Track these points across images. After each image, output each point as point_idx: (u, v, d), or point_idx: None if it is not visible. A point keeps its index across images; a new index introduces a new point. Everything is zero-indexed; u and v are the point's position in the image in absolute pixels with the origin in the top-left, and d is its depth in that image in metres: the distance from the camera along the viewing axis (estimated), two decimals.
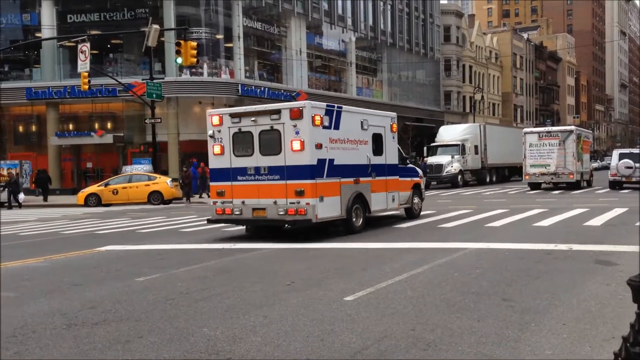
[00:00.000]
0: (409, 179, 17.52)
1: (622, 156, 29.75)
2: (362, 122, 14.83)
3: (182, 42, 25.90)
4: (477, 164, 38.59)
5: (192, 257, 11.40)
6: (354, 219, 14.15)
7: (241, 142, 13.64)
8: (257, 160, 13.41)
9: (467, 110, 64.35)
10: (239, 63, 37.38)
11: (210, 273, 9.60)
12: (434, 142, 39.88)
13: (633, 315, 1.70)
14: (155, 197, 28.37)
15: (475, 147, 38.40)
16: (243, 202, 13.63)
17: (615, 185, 29.70)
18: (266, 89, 38.36)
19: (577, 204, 20.62)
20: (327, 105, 13.82)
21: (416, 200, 17.69)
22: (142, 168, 30.53)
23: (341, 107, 14.33)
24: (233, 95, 36.70)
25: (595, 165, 48.03)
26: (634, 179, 28.70)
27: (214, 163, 14.13)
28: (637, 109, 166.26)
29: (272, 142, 13.18)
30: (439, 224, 15.88)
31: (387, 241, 12.73)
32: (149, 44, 27.24)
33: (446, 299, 7.35)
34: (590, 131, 49.18)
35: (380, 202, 15.38)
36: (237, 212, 13.75)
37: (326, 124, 13.38)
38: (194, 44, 26.13)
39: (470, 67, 67.99)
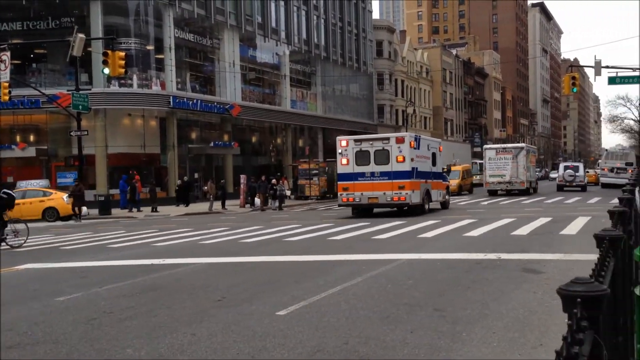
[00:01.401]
0: (444, 182, 26.41)
1: (565, 168, 43.29)
2: (428, 145, 23.94)
3: (109, 52, 25.08)
4: None
5: (118, 274, 10.91)
6: (425, 205, 22.78)
7: (361, 157, 21.76)
8: (372, 168, 21.58)
9: (400, 123, 65.60)
10: (170, 75, 36.61)
11: (137, 290, 9.19)
12: None
13: (559, 323, 1.64)
14: (50, 214, 26.89)
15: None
16: (362, 194, 21.67)
17: (561, 187, 41.55)
18: (199, 101, 37.74)
19: (505, 214, 21.23)
20: (415, 136, 23.15)
21: (447, 197, 26.11)
22: (37, 183, 28.85)
23: (419, 136, 23.76)
24: (164, 108, 35.88)
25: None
26: (574, 184, 41.27)
27: (341, 170, 22.41)
28: (558, 123, 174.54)
29: (383, 157, 21.49)
30: (372, 235, 15.94)
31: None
32: (74, 53, 26.21)
33: (379, 310, 7.29)
34: (536, 147, 59.58)
35: (435, 196, 23.97)
36: (357, 200, 21.89)
37: (415, 146, 21.81)
38: (122, 54, 25.37)
39: (402, 81, 69.43)
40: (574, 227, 15.91)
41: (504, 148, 38.65)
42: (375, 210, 23.57)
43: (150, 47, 36.77)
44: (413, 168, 21.57)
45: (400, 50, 69.88)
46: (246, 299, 8.26)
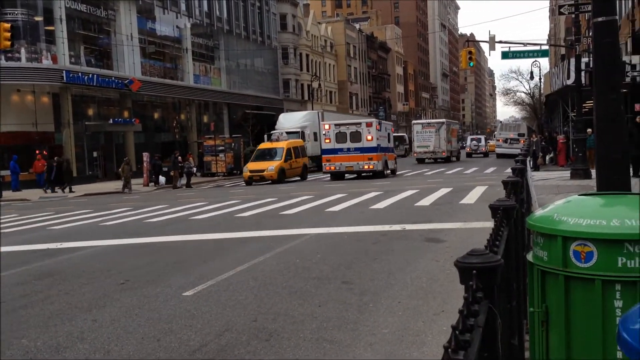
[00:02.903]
0: (394, 154, 32.81)
1: (472, 139, 57.41)
2: (385, 127, 31.44)
3: None
4: (317, 150, 39.52)
5: (9, 261, 10.25)
6: (385, 171, 29.39)
7: (340, 137, 28.58)
8: (349, 144, 28.33)
9: (306, 98, 65.71)
10: (62, 48, 34.48)
11: (32, 277, 8.68)
12: (274, 129, 40.14)
13: (460, 289, 1.66)
14: None
15: (315, 133, 39.30)
16: (341, 164, 28.52)
17: (470, 155, 53.51)
18: (95, 75, 35.88)
19: (409, 186, 21.89)
20: (379, 121, 31.02)
21: (396, 165, 32.23)
22: None
23: (381, 121, 32.56)
24: (57, 83, 33.84)
25: None
26: (478, 152, 53.97)
27: (325, 146, 29.19)
28: (457, 97, 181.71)
29: (356, 136, 28.36)
30: (280, 211, 15.95)
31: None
32: None
33: (288, 286, 7.31)
34: (457, 122, 77.13)
35: (390, 165, 30.57)
36: (337, 168, 28.74)
37: (379, 129, 28.90)
38: (7, 25, 23.54)
39: (307, 55, 69.42)
40: (472, 197, 16.66)
41: (429, 123, 45.70)
42: (347, 176, 30.07)
43: (39, 18, 34.43)
44: (378, 145, 28.42)
45: (304, 24, 69.68)
46: (151, 280, 8.02)
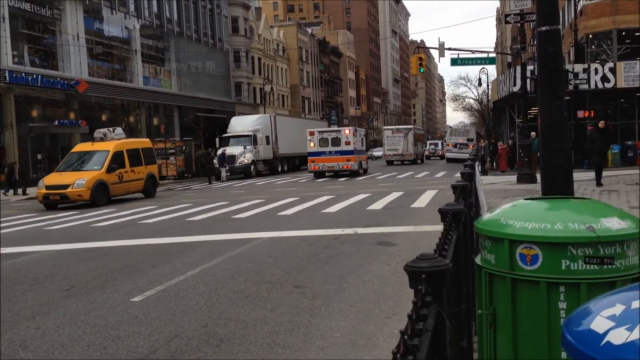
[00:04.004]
0: (366, 156, 38.94)
1: (430, 144, 65.01)
2: (360, 134, 36.51)
3: None
4: (269, 154, 39.44)
5: None
6: (359, 170, 34.33)
7: (323, 141, 33.30)
8: (330, 148, 33.01)
9: (258, 101, 65.39)
10: (5, 47, 33.33)
11: None
12: (226, 133, 39.81)
13: (410, 292, 1.67)
14: None
15: (267, 137, 39.17)
16: (324, 164, 33.01)
17: (429, 157, 58.99)
18: (39, 76, 34.77)
19: (361, 190, 22.06)
20: (355, 128, 35.68)
21: (367, 165, 37.33)
22: None
23: (357, 128, 37.18)
24: None
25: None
26: (436, 155, 60.75)
27: (310, 150, 33.56)
28: (408, 102, 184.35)
29: (337, 141, 33.17)
30: (232, 215, 15.81)
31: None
32: None
33: (240, 290, 7.25)
34: (421, 128, 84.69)
35: (363, 165, 35.88)
36: (321, 168, 33.10)
37: (355, 135, 33.85)
38: None
39: (259, 59, 69.14)
40: (423, 200, 16.92)
41: (397, 129, 50.06)
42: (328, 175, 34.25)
43: None
44: (354, 148, 33.45)
45: (256, 28, 69.43)
46: (98, 286, 7.82)
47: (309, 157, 33.96)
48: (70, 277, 8.50)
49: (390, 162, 48.01)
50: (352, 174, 33.57)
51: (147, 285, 7.70)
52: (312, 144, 33.58)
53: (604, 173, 17.75)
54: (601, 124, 17.04)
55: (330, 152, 33.12)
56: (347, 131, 34.04)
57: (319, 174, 33.81)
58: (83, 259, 10.15)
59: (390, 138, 47.94)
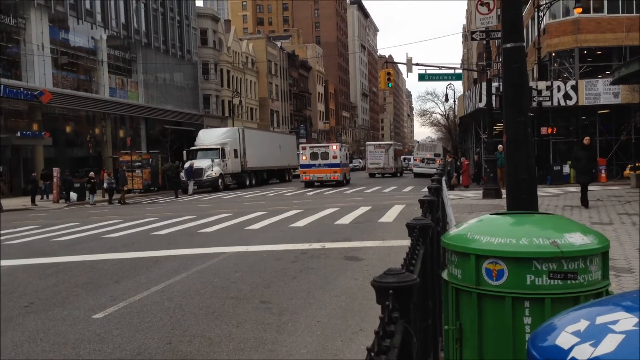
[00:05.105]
0: (349, 168, 43.59)
1: (404, 159, 63.43)
2: (345, 149, 42.86)
3: None
4: (237, 168, 39.19)
5: None
6: (344, 181, 38.69)
7: (313, 155, 37.97)
8: (320, 161, 37.70)
9: (227, 114, 65.11)
10: None
11: None
12: (193, 146, 39.46)
13: (377, 307, 1.64)
14: None
15: (235, 150, 38.94)
16: (314, 175, 37.61)
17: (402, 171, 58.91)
18: (2, 86, 33.97)
19: (330, 204, 22.05)
20: (341, 144, 41.90)
21: (349, 177, 41.82)
22: None
23: (343, 144, 43.80)
24: None
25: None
26: (408, 169, 59.92)
27: (302, 162, 38.28)
28: (376, 116, 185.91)
29: (325, 155, 37.88)
30: (199, 229, 15.62)
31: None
32: None
33: (205, 306, 7.13)
34: (401, 144, 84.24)
35: (347, 176, 40.66)
36: (311, 178, 37.58)
37: (341, 149, 39.46)
38: None
39: (228, 71, 68.94)
40: (391, 215, 16.98)
41: (379, 144, 54.91)
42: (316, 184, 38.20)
43: None
44: (341, 161, 38.38)
45: (225, 40, 69.30)
46: (58, 303, 7.60)
47: (301, 169, 39.19)
48: (30, 294, 8.26)
49: (372, 175, 51.85)
50: (338, 183, 38.22)
51: (109, 301, 7.52)
52: (304, 157, 38.31)
53: (572, 189, 17.80)
54: (586, 140, 15.60)
55: (319, 165, 37.79)
56: (334, 147, 39.12)
57: (309, 184, 38.19)
58: (43, 274, 9.87)
59: (373, 153, 52.10)
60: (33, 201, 29.03)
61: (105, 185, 30.35)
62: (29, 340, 6.00)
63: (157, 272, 9.49)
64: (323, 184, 38.36)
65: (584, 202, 14.79)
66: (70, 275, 9.59)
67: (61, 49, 41.02)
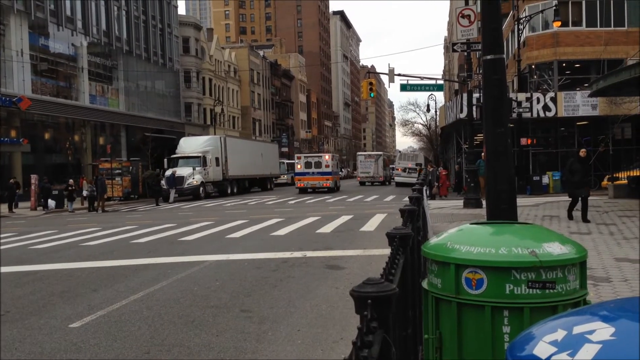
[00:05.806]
0: (339, 176, 46.58)
1: (390, 167, 60.55)
2: (336, 158, 46.81)
3: None
4: (219, 176, 39.01)
5: None
6: (334, 188, 42.39)
7: (307, 164, 41.40)
8: (313, 169, 41.21)
9: (208, 122, 64.88)
10: None
11: None
12: (174, 154, 39.23)
13: (359, 317, 1.64)
14: None
15: (217, 159, 38.77)
16: (308, 182, 41.20)
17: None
18: None
19: (311, 213, 22.03)
20: (333, 155, 45.58)
21: (339, 184, 45.06)
22: None
23: (334, 154, 49.20)
24: None
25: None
26: (393, 177, 57.58)
27: (297, 170, 42.20)
28: (358, 125, 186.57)
29: (318, 164, 41.34)
30: (179, 237, 15.50)
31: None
32: None
33: (185, 315, 7.06)
34: (390, 153, 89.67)
35: (337, 183, 43.85)
36: (305, 185, 41.27)
37: (333, 159, 43.20)
38: None
39: (210, 79, 68.78)
40: (372, 224, 17.01)
41: (370, 155, 57.50)
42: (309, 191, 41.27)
43: None
44: (332, 170, 41.78)
45: (207, 48, 69.17)
46: (34, 311, 7.48)
47: (295, 177, 43.40)
48: (5, 302, 8.11)
49: (362, 183, 54.99)
50: (329, 190, 41.53)
51: (87, 310, 7.42)
52: (298, 166, 41.93)
53: (551, 199, 17.78)
54: (582, 152, 14.67)
55: (313, 173, 41.14)
56: (327, 157, 42.73)
57: (303, 190, 41.61)
58: (19, 282, 9.72)
59: (364, 162, 55.43)
60: (10, 208, 28.61)
61: (85, 192, 30.03)
62: (4, 350, 5.89)
63: (136, 280, 9.39)
64: (315, 190, 41.46)
65: (584, 217, 13.99)
66: (47, 284, 9.45)
67: (41, 56, 40.61)
